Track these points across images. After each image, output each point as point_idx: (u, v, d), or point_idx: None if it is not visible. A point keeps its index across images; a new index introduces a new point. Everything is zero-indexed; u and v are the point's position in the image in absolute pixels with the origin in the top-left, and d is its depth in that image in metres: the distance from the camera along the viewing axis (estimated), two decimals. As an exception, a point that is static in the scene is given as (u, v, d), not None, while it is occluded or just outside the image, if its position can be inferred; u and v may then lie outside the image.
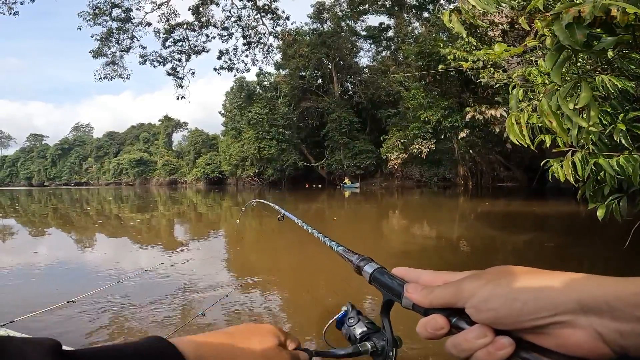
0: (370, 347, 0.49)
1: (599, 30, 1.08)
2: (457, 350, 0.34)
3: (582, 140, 1.93)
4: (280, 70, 41.89)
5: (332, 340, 0.56)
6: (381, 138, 31.05)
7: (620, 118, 2.04)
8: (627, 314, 0.26)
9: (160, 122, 76.67)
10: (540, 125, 2.08)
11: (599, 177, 2.19)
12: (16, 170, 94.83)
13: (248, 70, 33.59)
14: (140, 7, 23.92)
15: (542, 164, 2.40)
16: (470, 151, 25.72)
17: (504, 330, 0.32)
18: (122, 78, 25.69)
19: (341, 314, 0.55)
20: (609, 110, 2.04)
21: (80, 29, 23.22)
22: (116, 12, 23.54)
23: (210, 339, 0.44)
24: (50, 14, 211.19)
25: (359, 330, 0.51)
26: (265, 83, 45.19)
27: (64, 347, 0.33)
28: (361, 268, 0.49)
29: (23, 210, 17.47)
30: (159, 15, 25.07)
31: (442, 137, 21.46)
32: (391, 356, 0.48)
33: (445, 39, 19.73)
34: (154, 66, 26.33)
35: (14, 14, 20.07)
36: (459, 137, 19.67)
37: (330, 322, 0.56)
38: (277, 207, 1.14)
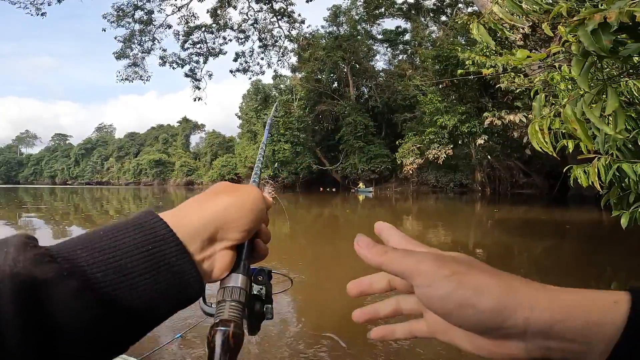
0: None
1: (624, 35, 1.07)
2: (387, 267, 0.33)
3: (607, 147, 1.89)
4: (296, 73, 42.19)
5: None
6: (397, 142, 30.85)
7: (646, 124, 1.99)
8: (561, 336, 0.28)
9: (178, 124, 78.32)
10: (563, 131, 2.05)
11: (623, 184, 2.13)
12: (40, 169, 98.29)
13: (263, 72, 33.96)
14: (161, 9, 24.33)
15: (564, 170, 2.36)
16: (488, 157, 25.26)
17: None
18: (142, 80, 26.31)
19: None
20: (633, 115, 2.00)
21: (104, 30, 23.97)
22: (138, 14, 24.19)
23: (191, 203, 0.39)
24: (80, 16, 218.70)
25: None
26: (281, 86, 45.58)
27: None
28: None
29: (46, 207, 18.09)
30: (179, 18, 25.61)
31: (459, 142, 21.17)
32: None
33: (463, 42, 19.50)
34: (173, 68, 26.86)
35: (42, 14, 20.77)
36: (477, 143, 19.35)
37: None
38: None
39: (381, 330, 0.39)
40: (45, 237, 8.60)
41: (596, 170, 1.80)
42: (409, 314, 0.38)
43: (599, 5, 1.08)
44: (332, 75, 42.90)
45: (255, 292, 0.43)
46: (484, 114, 13.99)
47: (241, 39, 26.95)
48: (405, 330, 0.38)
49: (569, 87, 2.40)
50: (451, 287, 0.30)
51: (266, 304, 0.44)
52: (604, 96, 1.17)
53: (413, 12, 36.68)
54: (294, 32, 27.09)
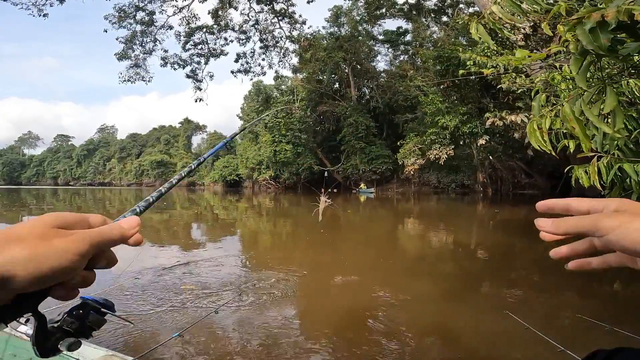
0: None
1: (623, 34, 1.06)
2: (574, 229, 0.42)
3: (607, 146, 1.89)
4: (297, 74, 42.16)
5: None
6: (398, 143, 30.80)
7: (647, 124, 1.98)
8: None
9: (180, 125, 78.48)
10: (564, 130, 2.05)
11: (625, 185, 2.12)
12: (43, 170, 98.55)
13: (264, 73, 34.06)
14: (162, 10, 24.39)
15: (566, 170, 2.35)
16: (490, 157, 25.20)
17: None
18: (144, 81, 26.35)
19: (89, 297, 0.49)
20: (634, 115, 1.99)
21: (106, 31, 24.05)
22: (140, 15, 24.23)
23: None
24: (81, 17, 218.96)
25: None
26: (282, 87, 45.57)
27: None
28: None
29: (49, 208, 18.14)
30: (180, 19, 25.66)
31: (460, 143, 21.13)
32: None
33: (464, 43, 19.47)
34: (175, 69, 26.91)
35: (44, 15, 20.78)
36: (479, 144, 19.32)
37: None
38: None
39: (578, 262, 0.48)
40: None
41: (596, 170, 1.80)
42: (601, 249, 0.45)
43: (598, 5, 1.07)
44: (333, 76, 42.87)
45: (64, 326, 0.45)
46: (485, 115, 13.95)
47: (242, 39, 27.01)
48: (600, 262, 0.46)
49: (570, 87, 2.39)
50: (623, 233, 0.39)
51: (67, 337, 0.44)
52: (604, 95, 1.16)
53: (414, 12, 36.61)
54: (295, 33, 27.15)
